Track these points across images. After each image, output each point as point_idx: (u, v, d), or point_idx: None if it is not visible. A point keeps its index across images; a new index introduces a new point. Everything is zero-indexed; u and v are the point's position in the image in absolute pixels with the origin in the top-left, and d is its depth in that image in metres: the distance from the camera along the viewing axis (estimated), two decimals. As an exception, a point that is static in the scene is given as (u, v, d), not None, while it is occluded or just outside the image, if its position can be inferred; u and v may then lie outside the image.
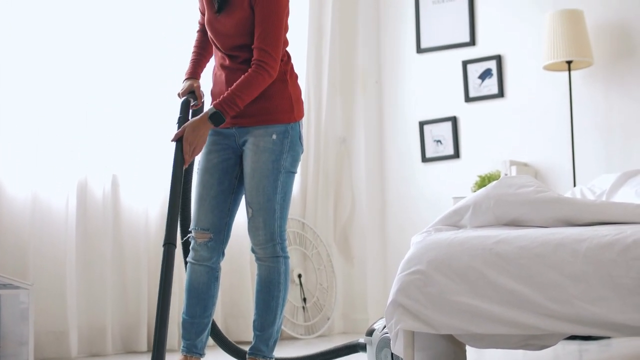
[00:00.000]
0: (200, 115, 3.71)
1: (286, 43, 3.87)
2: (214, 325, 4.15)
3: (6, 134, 4.94)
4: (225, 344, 4.24)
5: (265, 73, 3.67)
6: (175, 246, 3.57)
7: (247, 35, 3.74)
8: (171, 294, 3.51)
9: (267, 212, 3.73)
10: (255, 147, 3.74)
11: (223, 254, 3.88)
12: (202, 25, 4.01)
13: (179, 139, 3.72)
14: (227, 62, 3.82)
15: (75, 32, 5.23)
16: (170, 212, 3.64)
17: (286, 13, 3.80)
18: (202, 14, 3.94)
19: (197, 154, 3.74)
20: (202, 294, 3.83)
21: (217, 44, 3.85)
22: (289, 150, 3.76)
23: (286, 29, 3.84)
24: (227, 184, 3.85)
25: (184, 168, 3.71)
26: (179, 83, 5.36)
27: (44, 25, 5.11)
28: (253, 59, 3.70)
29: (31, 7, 5.06)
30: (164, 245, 3.57)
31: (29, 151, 5.01)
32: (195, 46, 4.03)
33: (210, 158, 3.86)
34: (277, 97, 3.77)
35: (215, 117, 3.66)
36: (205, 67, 4.03)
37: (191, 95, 3.96)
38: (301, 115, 3.86)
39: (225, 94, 3.67)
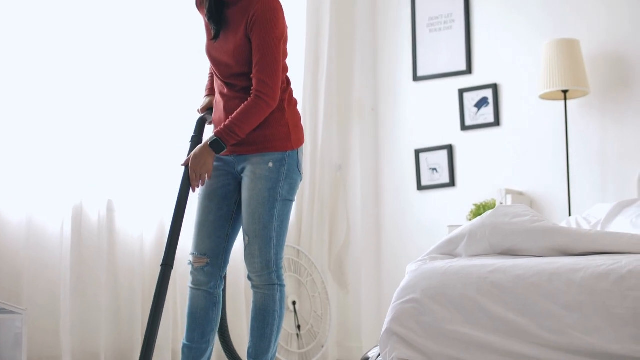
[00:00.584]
0: (203, 143, 3.76)
1: (286, 69, 3.88)
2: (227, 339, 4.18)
3: (1, 158, 4.94)
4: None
5: (264, 103, 3.69)
6: (171, 267, 3.65)
7: (244, 64, 3.75)
8: (162, 314, 3.55)
9: (263, 240, 3.74)
10: (252, 174, 3.76)
11: (222, 279, 3.90)
12: None
13: (187, 165, 3.79)
14: (225, 90, 3.84)
15: (71, 60, 5.23)
16: (171, 234, 3.71)
17: (284, 40, 3.80)
18: None
19: (204, 180, 3.77)
20: (200, 319, 3.84)
21: (215, 71, 3.86)
22: (285, 178, 3.77)
23: (285, 55, 3.84)
24: (226, 209, 3.88)
25: (189, 193, 3.78)
26: (175, 110, 5.38)
27: (40, 48, 5.11)
28: (252, 88, 3.71)
29: (26, 29, 5.07)
30: (161, 265, 3.65)
31: (24, 175, 5.00)
32: None
33: (210, 184, 3.90)
34: (274, 125, 3.79)
35: (216, 144, 3.72)
36: None
37: (209, 112, 4.00)
38: (300, 142, 3.86)
39: (226, 122, 3.71)
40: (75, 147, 5.21)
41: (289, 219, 3.86)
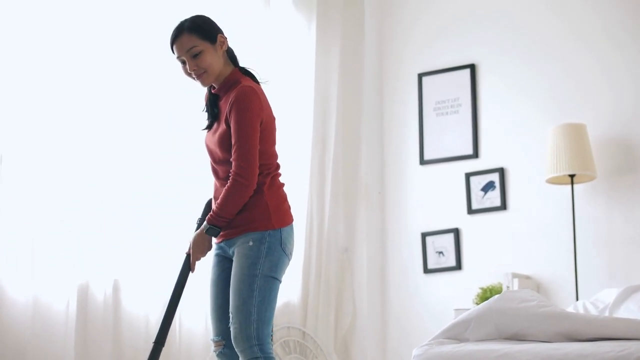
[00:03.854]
0: (199, 230, 4.00)
1: (273, 155, 4.05)
2: None
3: (7, 237, 4.94)
4: None
5: (238, 184, 3.87)
6: (162, 345, 3.92)
7: (227, 150, 3.96)
8: None
9: (242, 314, 3.86)
10: (237, 255, 3.98)
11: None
12: None
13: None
14: (218, 174, 4.05)
15: (74, 125, 5.29)
16: (167, 313, 3.99)
17: (266, 126, 3.97)
18: None
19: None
20: None
21: (209, 158, 4.04)
22: (266, 255, 3.91)
23: (271, 141, 4.02)
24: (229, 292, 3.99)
25: (187, 277, 4.05)
26: (181, 190, 5.43)
27: (45, 113, 5.16)
28: (230, 171, 3.90)
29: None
30: (153, 343, 3.94)
31: (30, 254, 5.01)
32: None
33: (214, 271, 4.13)
34: (253, 208, 3.95)
35: (211, 231, 3.97)
36: None
37: None
38: (283, 223, 3.99)
39: (214, 209, 3.94)
40: (81, 227, 5.22)
41: (273, 296, 3.95)
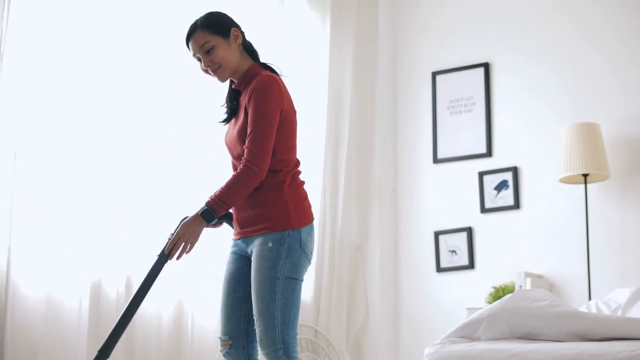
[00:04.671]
0: (194, 212, 3.80)
1: (292, 149, 3.94)
2: None
3: (20, 234, 4.96)
4: None
5: (250, 171, 3.75)
6: (107, 357, 3.69)
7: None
8: None
9: (266, 318, 3.76)
10: (256, 256, 3.82)
11: (251, 359, 3.93)
12: None
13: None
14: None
15: (91, 148, 5.31)
16: (119, 323, 3.76)
17: (286, 116, 3.86)
18: None
19: (187, 251, 3.84)
20: None
21: (229, 155, 3.97)
22: (286, 257, 3.78)
23: (290, 133, 3.91)
24: (242, 291, 3.93)
25: (162, 267, 3.88)
26: (194, 187, 5.43)
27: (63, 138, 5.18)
28: (242, 158, 3.78)
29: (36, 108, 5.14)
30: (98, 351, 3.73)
31: (42, 251, 5.03)
32: None
33: (228, 268, 3.99)
34: (273, 207, 3.83)
35: (207, 214, 3.78)
36: None
37: None
38: (303, 222, 3.85)
39: (217, 192, 3.78)
40: (94, 224, 5.24)
41: (297, 297, 3.84)
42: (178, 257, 3.87)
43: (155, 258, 3.88)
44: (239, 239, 3.94)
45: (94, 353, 5.10)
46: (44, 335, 4.94)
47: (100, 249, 5.24)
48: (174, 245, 3.83)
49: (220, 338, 3.98)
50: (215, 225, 4.00)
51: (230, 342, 3.92)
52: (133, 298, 3.82)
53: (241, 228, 3.90)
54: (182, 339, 5.53)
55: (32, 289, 4.97)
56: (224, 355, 3.96)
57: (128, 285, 5.36)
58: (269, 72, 3.94)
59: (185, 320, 5.56)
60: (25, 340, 4.90)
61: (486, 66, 6.66)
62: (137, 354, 5.37)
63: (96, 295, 5.20)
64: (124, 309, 3.78)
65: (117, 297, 5.27)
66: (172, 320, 5.47)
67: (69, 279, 5.12)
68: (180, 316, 5.46)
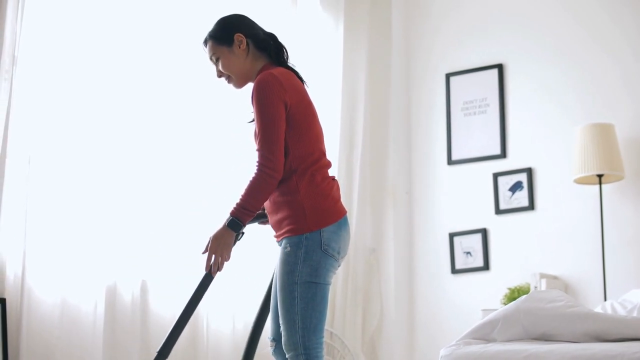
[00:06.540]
0: (220, 225, 3.77)
1: (309, 143, 3.83)
2: None
3: (35, 238, 4.98)
4: None
5: (263, 174, 3.70)
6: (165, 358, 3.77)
7: None
8: None
9: (287, 323, 3.74)
10: (278, 260, 3.79)
11: None
12: None
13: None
14: None
15: (104, 149, 5.33)
16: (177, 325, 3.84)
17: (294, 109, 3.78)
18: None
19: (224, 262, 3.78)
20: None
21: None
22: (303, 260, 3.71)
23: (300, 126, 3.81)
24: None
25: (209, 283, 3.83)
26: (211, 191, 5.43)
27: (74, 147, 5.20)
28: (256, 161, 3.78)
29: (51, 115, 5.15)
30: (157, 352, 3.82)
31: (58, 255, 5.05)
32: None
33: (274, 272, 3.90)
34: (288, 209, 3.77)
35: (233, 224, 3.74)
36: None
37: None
38: (323, 223, 3.74)
39: (238, 201, 3.75)
40: (109, 228, 5.25)
41: (318, 301, 3.74)
42: (219, 270, 3.81)
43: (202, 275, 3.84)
44: (278, 242, 3.89)
45: (110, 357, 5.15)
46: (59, 339, 4.96)
47: (115, 252, 5.26)
48: (211, 261, 3.78)
49: (268, 338, 4.01)
50: (263, 223, 4.00)
51: (274, 344, 3.95)
52: (186, 306, 3.86)
53: (274, 232, 3.87)
54: (197, 342, 5.54)
55: (47, 293, 4.99)
56: (272, 354, 3.99)
57: (143, 289, 5.37)
58: (272, 69, 3.84)
59: (201, 323, 5.57)
60: (40, 345, 4.91)
61: (500, 67, 6.65)
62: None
63: (111, 299, 5.22)
64: (179, 315, 3.85)
65: (132, 301, 5.28)
66: (188, 323, 5.47)
67: (84, 283, 5.14)
68: (194, 319, 5.46)
